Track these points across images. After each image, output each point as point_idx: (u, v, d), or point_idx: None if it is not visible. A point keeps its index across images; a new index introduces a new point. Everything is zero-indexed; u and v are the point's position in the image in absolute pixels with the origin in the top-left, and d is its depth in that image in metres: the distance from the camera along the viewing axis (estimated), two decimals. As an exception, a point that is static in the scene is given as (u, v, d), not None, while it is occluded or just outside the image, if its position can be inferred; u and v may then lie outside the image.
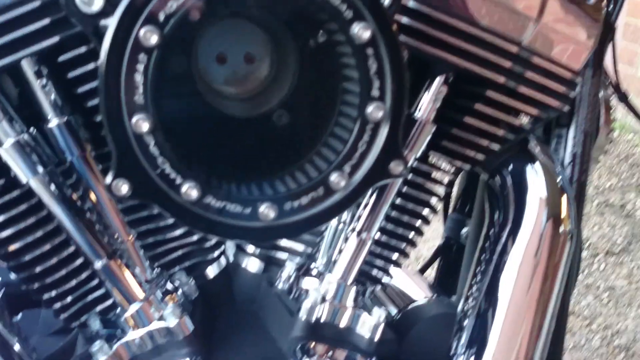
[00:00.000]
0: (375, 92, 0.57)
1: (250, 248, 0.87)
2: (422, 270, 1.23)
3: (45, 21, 0.62)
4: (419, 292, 0.98)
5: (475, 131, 0.77)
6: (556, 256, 0.77)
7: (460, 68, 0.72)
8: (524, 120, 0.78)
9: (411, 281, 1.02)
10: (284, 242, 0.85)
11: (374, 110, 0.57)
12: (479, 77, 0.73)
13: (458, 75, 0.74)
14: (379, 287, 0.84)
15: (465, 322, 0.78)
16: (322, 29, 0.60)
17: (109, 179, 0.53)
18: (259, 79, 0.65)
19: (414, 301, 0.93)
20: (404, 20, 0.69)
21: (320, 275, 0.79)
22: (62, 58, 0.66)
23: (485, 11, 0.71)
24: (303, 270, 0.81)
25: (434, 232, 1.20)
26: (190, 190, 0.55)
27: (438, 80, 0.74)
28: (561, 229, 0.78)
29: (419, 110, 0.74)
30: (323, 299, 0.76)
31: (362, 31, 0.55)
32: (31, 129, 0.69)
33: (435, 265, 1.23)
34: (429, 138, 0.75)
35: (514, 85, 0.74)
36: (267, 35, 0.64)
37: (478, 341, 0.75)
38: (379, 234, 0.79)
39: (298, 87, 0.64)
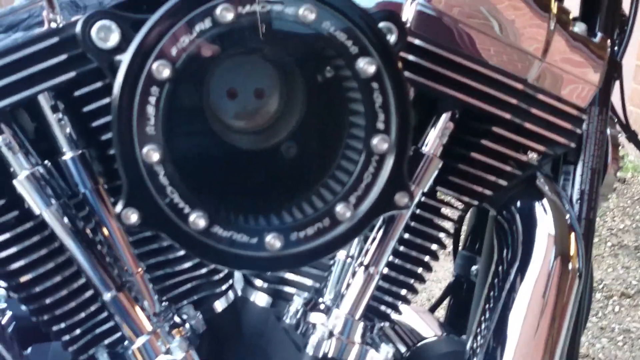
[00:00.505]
0: (380, 125, 0.58)
1: (259, 282, 0.87)
2: (433, 309, 1.22)
3: (63, 57, 0.65)
4: (429, 331, 0.98)
5: (483, 167, 0.77)
6: (565, 294, 0.76)
7: (467, 104, 0.73)
8: (531, 156, 0.79)
9: (421, 319, 1.01)
10: (292, 276, 0.86)
11: (379, 143, 0.58)
12: (485, 114, 0.74)
13: (465, 111, 0.75)
14: (387, 324, 0.84)
15: (474, 360, 0.78)
16: (330, 64, 0.62)
17: (119, 207, 0.55)
18: (269, 113, 0.66)
19: (423, 339, 0.92)
20: (411, 57, 0.71)
21: (327, 310, 0.79)
22: (78, 93, 0.68)
23: (491, 49, 0.73)
24: (311, 305, 0.81)
25: (447, 272, 1.19)
26: (198, 220, 0.56)
27: (445, 116, 0.75)
28: (570, 266, 0.78)
29: (426, 145, 0.75)
30: (330, 334, 0.76)
31: (367, 66, 0.56)
32: (45, 161, 0.70)
33: (446, 303, 1.23)
34: (435, 173, 0.76)
35: (520, 121, 0.75)
36: (276, 71, 0.65)
37: (487, 380, 0.75)
38: (387, 269, 0.79)
39: (306, 120, 0.65)
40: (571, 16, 0.77)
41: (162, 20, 0.52)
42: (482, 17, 0.73)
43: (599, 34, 0.80)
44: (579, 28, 0.76)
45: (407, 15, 0.71)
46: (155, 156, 0.54)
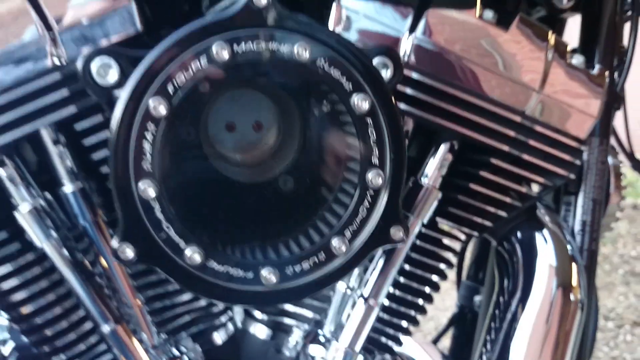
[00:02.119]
0: (375, 160, 0.59)
1: (258, 314, 0.87)
2: (436, 340, 1.21)
3: (64, 92, 0.66)
4: (432, 363, 0.97)
5: (482, 198, 0.78)
6: (567, 325, 0.76)
7: (465, 136, 0.74)
8: (531, 187, 0.79)
9: (424, 351, 1.01)
10: (292, 308, 0.86)
11: (374, 177, 0.59)
12: (483, 145, 0.75)
13: (463, 143, 0.76)
14: (388, 357, 0.83)
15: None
16: (326, 99, 0.63)
17: (114, 243, 0.55)
18: (267, 146, 0.67)
19: (426, 371, 0.92)
20: (409, 91, 0.72)
21: (327, 343, 0.79)
22: (79, 126, 0.70)
23: (488, 81, 0.74)
24: (310, 338, 0.81)
25: (454, 300, 1.19)
26: (193, 255, 0.57)
27: (443, 147, 0.76)
28: (572, 297, 0.78)
29: (425, 176, 0.76)
30: (330, 367, 0.76)
31: (361, 102, 0.58)
32: (46, 193, 0.72)
33: (450, 334, 1.22)
34: (435, 204, 0.76)
35: (519, 153, 0.76)
36: (274, 105, 0.67)
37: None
38: (387, 300, 0.79)
39: (303, 154, 0.66)
40: (569, 48, 0.78)
41: (159, 58, 0.53)
42: (479, 50, 0.74)
43: (598, 66, 0.81)
44: (577, 60, 0.77)
45: (405, 48, 0.72)
46: (151, 192, 0.55)
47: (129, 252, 0.55)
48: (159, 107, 0.54)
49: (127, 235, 0.55)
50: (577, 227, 0.84)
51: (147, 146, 0.54)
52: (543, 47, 0.76)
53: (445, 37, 0.73)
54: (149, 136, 0.54)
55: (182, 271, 0.57)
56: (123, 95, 0.54)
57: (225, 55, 0.54)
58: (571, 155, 0.78)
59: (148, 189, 0.54)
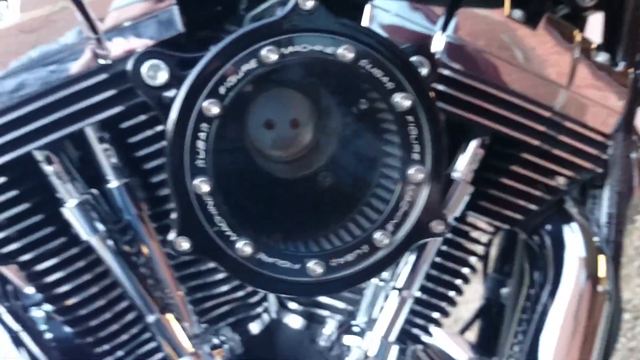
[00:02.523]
0: (415, 156, 0.62)
1: (292, 305, 0.91)
2: (463, 331, 1.24)
3: (112, 92, 0.69)
4: (460, 353, 1.00)
5: (513, 192, 0.81)
6: (595, 316, 0.79)
7: (497, 132, 0.77)
8: (560, 181, 0.82)
9: (452, 342, 1.04)
10: (325, 299, 0.89)
11: (415, 173, 0.62)
12: (514, 140, 0.78)
13: (494, 138, 0.78)
14: (420, 347, 0.87)
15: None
16: (365, 97, 0.66)
17: (171, 236, 0.59)
18: (304, 142, 0.70)
19: (455, 361, 0.95)
20: (441, 87, 0.75)
21: (362, 333, 0.82)
22: (124, 125, 0.73)
23: (518, 78, 0.76)
24: (345, 328, 0.84)
25: (474, 292, 1.22)
26: (244, 247, 0.60)
27: (475, 142, 0.78)
28: (600, 288, 0.80)
29: (457, 171, 0.78)
30: (365, 356, 0.79)
31: (402, 100, 0.60)
32: (92, 189, 0.75)
33: (476, 326, 1.25)
34: (467, 198, 0.79)
35: (548, 147, 0.79)
36: (312, 102, 0.70)
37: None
38: (419, 292, 0.82)
39: (341, 150, 0.69)
40: (594, 46, 0.81)
41: (212, 62, 0.56)
42: (508, 47, 0.76)
43: (622, 63, 0.83)
44: (602, 57, 0.79)
45: (437, 46, 0.75)
46: (205, 187, 0.58)
47: (185, 245, 0.59)
48: (212, 108, 0.57)
49: (183, 228, 0.58)
50: (603, 219, 0.87)
51: (200, 144, 0.57)
52: (570, 45, 0.78)
53: (476, 35, 0.75)
54: (202, 135, 0.57)
55: (233, 262, 0.60)
56: (178, 98, 0.57)
57: (273, 57, 0.57)
58: (598, 150, 0.81)
59: (202, 185, 0.58)
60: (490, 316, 1.18)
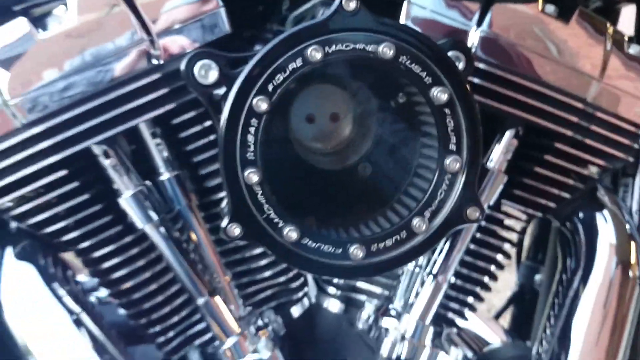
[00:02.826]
0: (452, 147, 0.65)
1: (331, 290, 0.95)
2: (498, 316, 1.28)
3: (164, 90, 0.74)
4: (494, 337, 1.04)
5: (546, 180, 0.84)
6: (626, 302, 0.82)
7: (531, 123, 0.80)
8: (592, 170, 0.85)
9: (487, 327, 1.07)
10: (362, 284, 0.94)
11: (452, 163, 0.66)
12: (548, 131, 0.80)
13: (527, 128, 0.81)
14: (454, 330, 0.90)
15: (540, 364, 0.84)
16: (403, 91, 0.69)
17: (224, 223, 0.63)
18: (344, 135, 0.74)
19: (489, 345, 0.99)
20: (476, 80, 0.78)
21: (399, 316, 0.86)
22: (175, 121, 0.78)
23: (551, 71, 0.79)
24: (382, 311, 0.89)
25: (505, 283, 1.25)
26: (290, 233, 0.64)
27: (509, 133, 0.81)
28: (630, 274, 0.83)
29: (491, 161, 0.82)
30: (402, 338, 0.83)
31: (440, 94, 0.64)
32: (146, 181, 0.80)
33: (508, 313, 1.28)
34: (501, 187, 0.82)
35: (581, 138, 0.81)
36: (351, 97, 0.73)
37: (552, 383, 0.81)
38: (454, 277, 0.86)
39: (380, 142, 0.73)
40: (626, 38, 0.83)
41: (261, 61, 0.61)
42: (542, 41, 0.79)
43: (655, 54, 0.85)
44: (634, 49, 0.81)
45: (472, 41, 0.78)
46: (254, 178, 0.62)
47: (237, 231, 0.63)
48: (261, 104, 0.61)
49: (235, 216, 0.63)
50: (635, 207, 0.90)
51: (250, 138, 0.62)
52: (602, 38, 0.80)
53: (510, 30, 0.78)
54: (252, 130, 0.62)
55: (281, 247, 0.65)
56: (230, 96, 0.61)
57: (318, 56, 0.61)
58: (629, 140, 0.83)
59: (252, 176, 0.62)
60: (524, 302, 1.21)
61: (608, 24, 0.81)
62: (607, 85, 0.80)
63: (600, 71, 0.80)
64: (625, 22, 0.95)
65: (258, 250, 0.85)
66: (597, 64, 0.80)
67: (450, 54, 0.69)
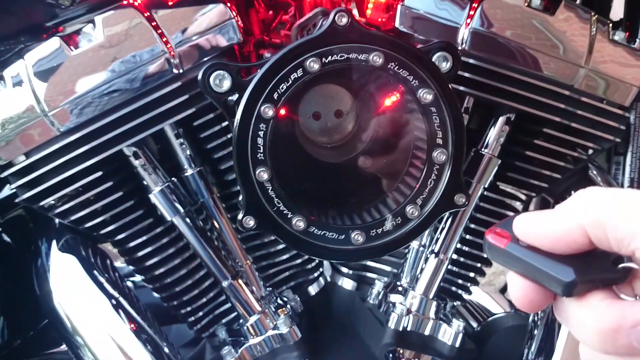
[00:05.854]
0: (439, 141, 0.75)
1: (344, 269, 1.07)
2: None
3: (185, 96, 0.85)
4: (499, 308, 1.14)
5: (537, 163, 0.93)
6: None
7: (520, 111, 0.88)
8: (581, 151, 0.93)
9: (492, 299, 1.18)
10: (373, 264, 1.05)
11: (439, 155, 0.76)
12: (537, 117, 0.89)
13: (519, 115, 0.90)
14: (459, 303, 1.01)
15: (535, 332, 0.94)
16: (396, 91, 0.79)
17: (240, 215, 0.75)
18: (347, 130, 0.84)
19: (493, 315, 1.09)
20: (467, 74, 0.87)
21: (405, 292, 0.97)
22: (195, 122, 0.89)
23: (538, 61, 0.87)
24: (390, 288, 1.00)
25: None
26: (298, 223, 0.75)
27: (501, 120, 0.91)
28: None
29: (485, 147, 0.91)
30: (408, 312, 0.94)
31: (426, 95, 0.74)
32: (172, 178, 0.91)
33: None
34: (495, 171, 0.92)
35: (569, 122, 0.90)
36: (352, 96, 0.83)
37: (546, 349, 0.90)
38: (455, 255, 0.96)
39: (377, 137, 0.83)
40: (610, 25, 0.90)
41: (266, 73, 0.71)
42: (529, 33, 0.87)
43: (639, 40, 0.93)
44: (619, 36, 0.89)
45: (463, 37, 0.86)
46: (265, 176, 0.73)
47: (251, 222, 0.75)
48: (268, 111, 0.72)
49: (249, 209, 0.74)
50: (627, 183, 0.98)
51: (260, 141, 0.73)
52: (586, 27, 0.88)
53: (498, 24, 0.86)
54: (261, 133, 0.73)
55: (290, 235, 0.76)
56: (241, 104, 0.72)
57: (316, 67, 0.72)
58: (617, 122, 0.91)
59: (263, 174, 0.73)
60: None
61: (592, 13, 0.89)
62: (593, 71, 0.88)
63: (586, 58, 0.88)
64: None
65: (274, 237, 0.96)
66: (582, 52, 0.87)
67: (439, 54, 0.78)
